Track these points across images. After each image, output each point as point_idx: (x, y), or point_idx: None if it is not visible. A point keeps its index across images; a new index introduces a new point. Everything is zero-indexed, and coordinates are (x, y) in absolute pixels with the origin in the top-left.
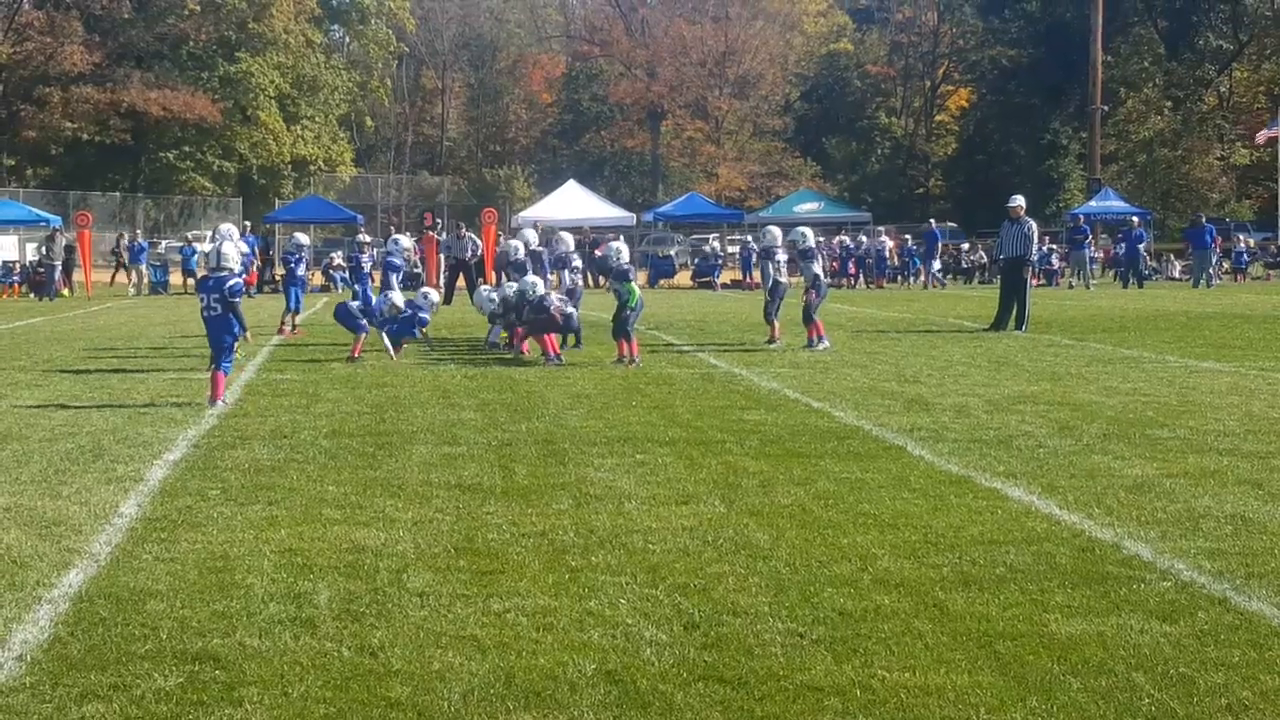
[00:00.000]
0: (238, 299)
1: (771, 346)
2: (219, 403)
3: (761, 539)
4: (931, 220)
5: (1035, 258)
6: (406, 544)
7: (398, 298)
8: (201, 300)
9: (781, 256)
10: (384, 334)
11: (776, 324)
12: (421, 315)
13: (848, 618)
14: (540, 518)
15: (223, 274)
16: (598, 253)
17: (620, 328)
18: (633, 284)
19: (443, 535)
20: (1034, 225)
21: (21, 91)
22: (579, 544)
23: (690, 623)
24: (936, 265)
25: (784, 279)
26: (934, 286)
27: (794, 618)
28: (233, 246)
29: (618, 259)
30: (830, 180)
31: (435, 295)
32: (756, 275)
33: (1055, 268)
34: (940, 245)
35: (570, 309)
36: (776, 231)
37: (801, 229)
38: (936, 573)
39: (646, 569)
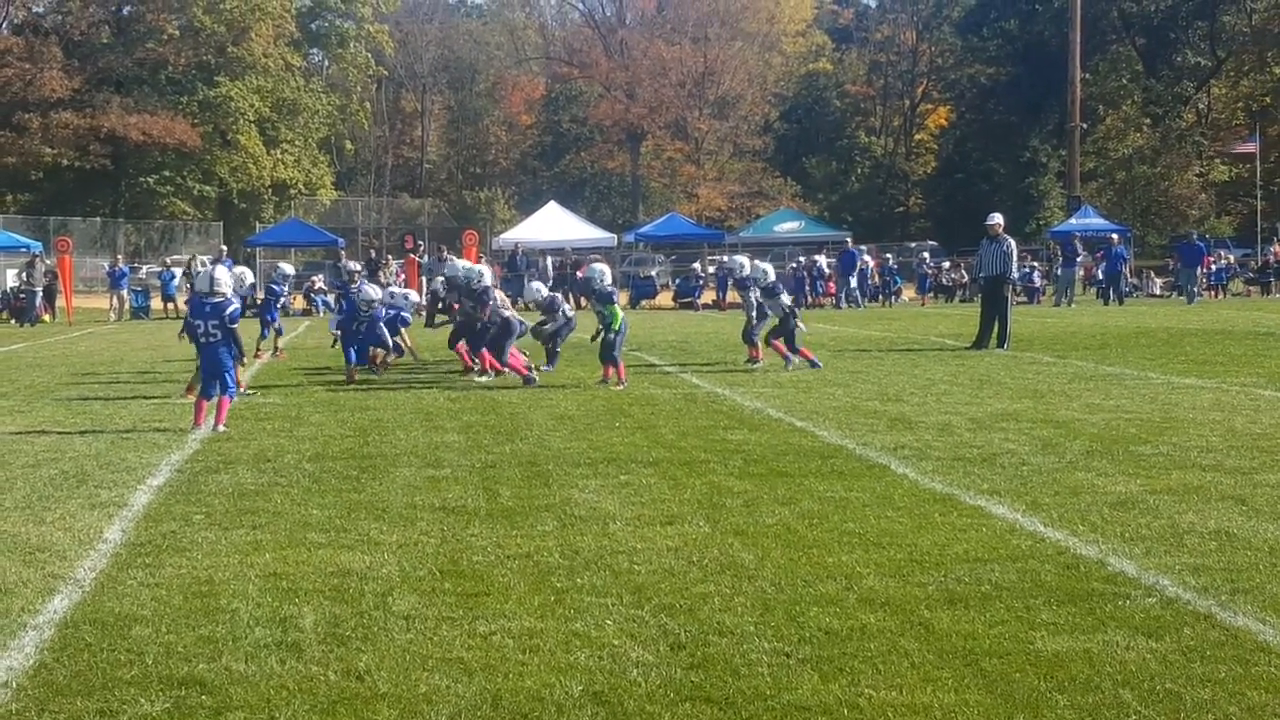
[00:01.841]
0: (236, 324)
1: (753, 367)
2: (220, 428)
3: (747, 559)
4: (849, 239)
5: (1015, 276)
6: (391, 567)
7: (373, 290)
8: (198, 326)
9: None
10: (350, 350)
11: (758, 344)
12: (403, 315)
13: (833, 637)
14: (525, 539)
15: (218, 299)
16: (580, 274)
17: (606, 351)
18: (615, 306)
19: (428, 558)
20: (1013, 243)
21: (0, 117)
22: (564, 565)
23: (676, 643)
24: (853, 283)
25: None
26: (849, 306)
27: (780, 637)
28: (225, 271)
29: (601, 281)
30: (810, 200)
31: (414, 295)
32: (732, 295)
33: (1037, 285)
34: (859, 264)
35: (507, 312)
36: (744, 260)
37: (739, 259)
38: (922, 591)
39: (632, 590)
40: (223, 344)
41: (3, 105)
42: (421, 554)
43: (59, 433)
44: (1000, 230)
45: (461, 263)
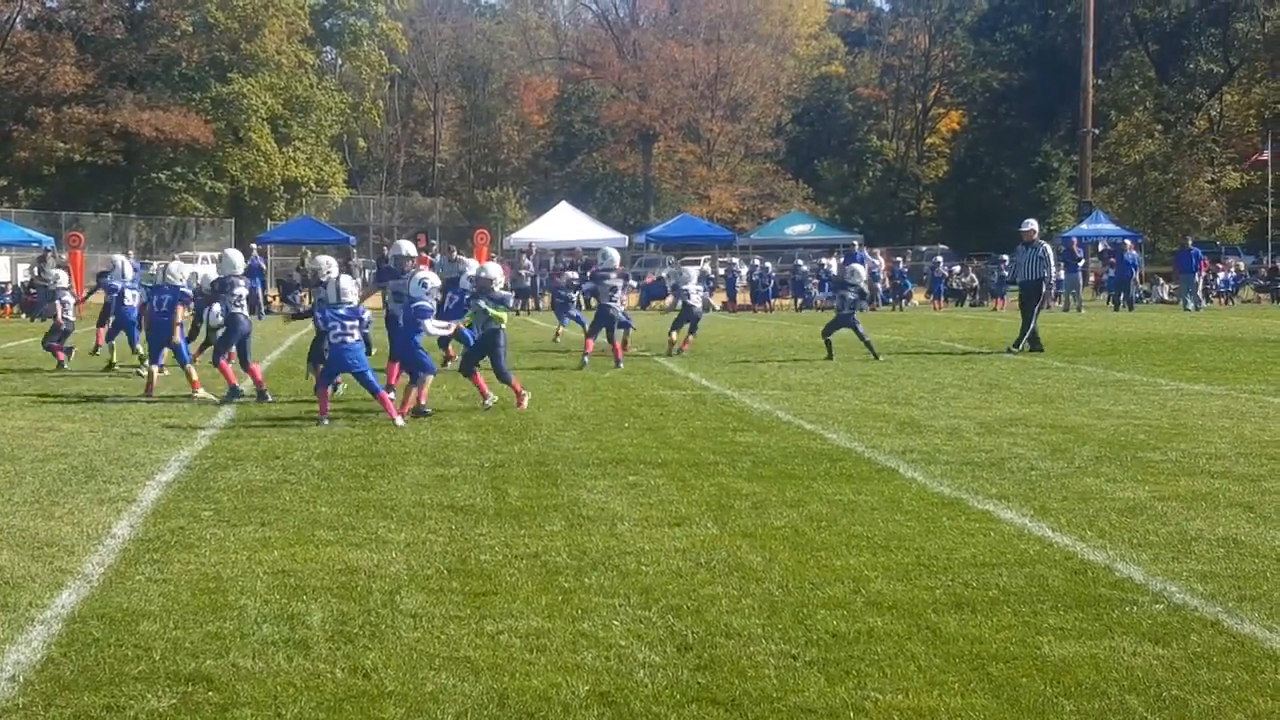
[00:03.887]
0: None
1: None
2: (400, 420)
3: (754, 561)
4: (858, 242)
5: (1051, 279)
6: (399, 565)
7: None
8: (333, 328)
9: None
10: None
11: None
12: (422, 305)
13: (840, 640)
14: (533, 539)
15: (348, 305)
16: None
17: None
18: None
19: (435, 556)
20: (1049, 248)
21: (13, 112)
22: (572, 565)
23: (683, 644)
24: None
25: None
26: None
27: (787, 639)
28: (350, 281)
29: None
30: (822, 202)
31: (434, 278)
32: (743, 298)
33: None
34: (868, 266)
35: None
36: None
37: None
38: (929, 595)
39: (639, 590)
40: (356, 345)
41: (16, 100)
42: (429, 553)
43: (68, 428)
44: (1035, 236)
45: (471, 262)
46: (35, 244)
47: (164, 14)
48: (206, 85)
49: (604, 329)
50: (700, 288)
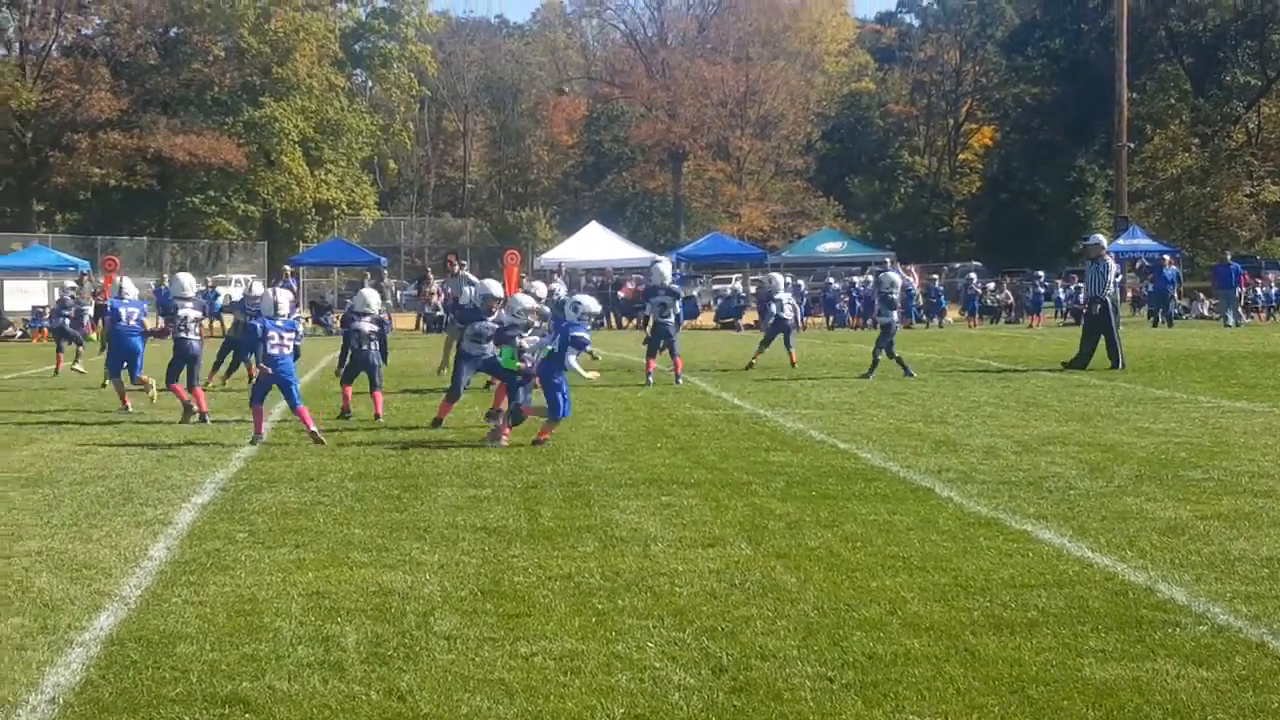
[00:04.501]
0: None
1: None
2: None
3: (789, 582)
4: (890, 259)
5: (1109, 295)
6: (433, 587)
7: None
8: (270, 339)
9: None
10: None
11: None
12: (578, 335)
13: (877, 662)
14: (566, 560)
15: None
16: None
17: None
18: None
19: (469, 578)
20: (1111, 263)
21: (50, 138)
22: (605, 587)
23: (718, 666)
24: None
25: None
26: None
27: (823, 661)
28: (285, 295)
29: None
30: (853, 219)
31: (592, 304)
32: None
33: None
34: (900, 283)
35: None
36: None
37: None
38: (967, 616)
39: (673, 612)
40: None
41: (52, 126)
42: (463, 574)
43: (105, 450)
44: (1101, 251)
45: (492, 283)
46: (71, 268)
47: (197, 39)
48: (239, 109)
49: (660, 345)
50: (790, 298)
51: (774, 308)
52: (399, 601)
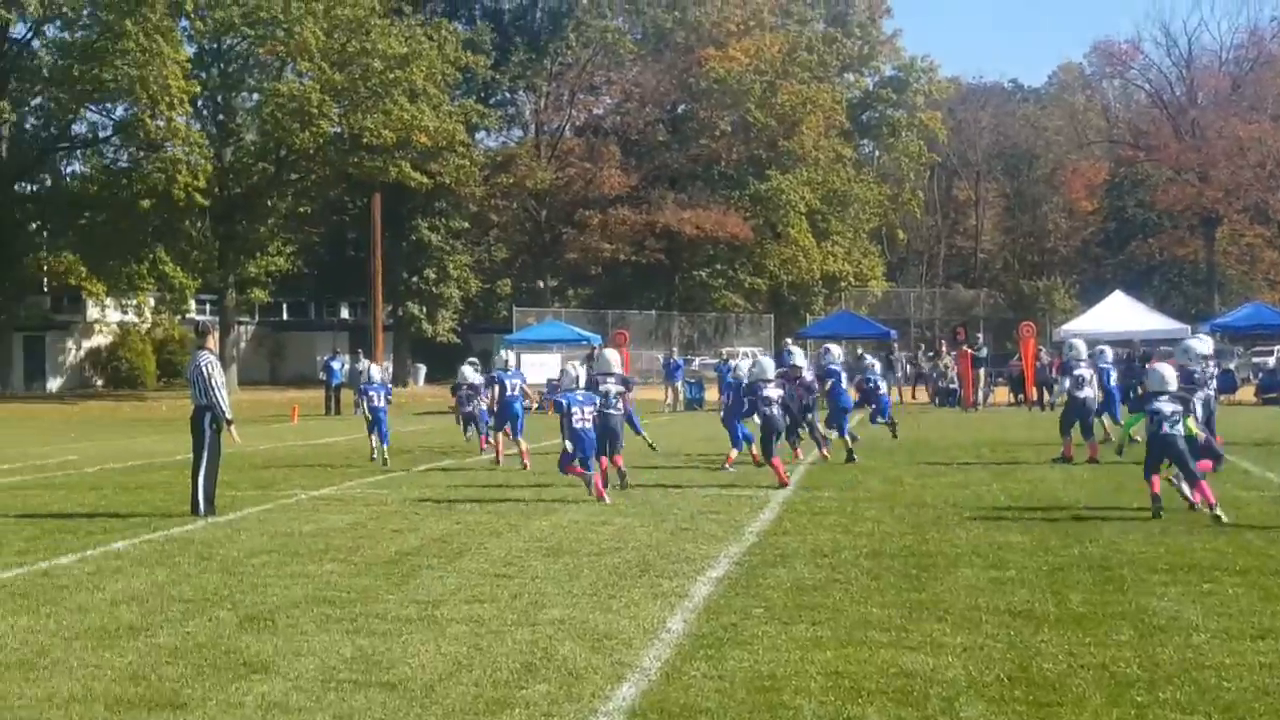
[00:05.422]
0: None
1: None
2: None
3: None
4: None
5: None
6: (957, 670)
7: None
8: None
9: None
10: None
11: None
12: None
13: None
14: (1099, 648)
15: None
16: None
17: None
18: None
19: (995, 663)
20: None
21: (563, 215)
22: (1144, 678)
23: None
24: None
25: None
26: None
27: None
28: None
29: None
30: None
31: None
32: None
33: None
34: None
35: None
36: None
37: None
38: None
39: (1221, 708)
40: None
41: (565, 203)
42: (988, 658)
43: (621, 522)
44: None
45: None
46: (584, 342)
47: (704, 115)
48: (745, 183)
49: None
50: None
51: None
52: (922, 684)
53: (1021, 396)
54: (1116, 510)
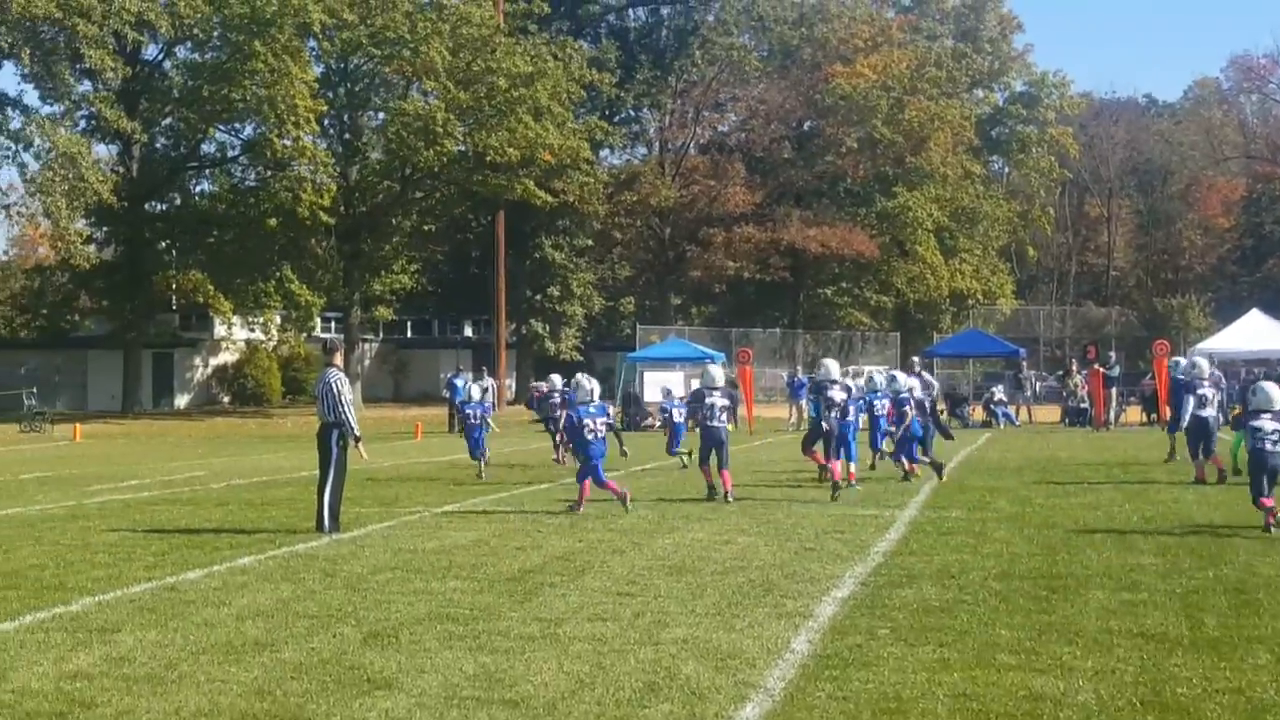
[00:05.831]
0: None
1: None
2: None
3: None
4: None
5: None
6: (1088, 694)
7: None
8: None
9: None
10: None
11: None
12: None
13: None
14: (1235, 673)
15: None
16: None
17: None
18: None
19: (1126, 687)
20: None
21: (687, 233)
22: None
23: None
24: None
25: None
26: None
27: None
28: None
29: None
30: None
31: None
32: None
33: None
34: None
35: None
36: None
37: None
38: None
39: None
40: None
41: (689, 221)
42: (1120, 682)
43: (744, 540)
44: None
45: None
46: (707, 359)
47: (830, 132)
48: (871, 200)
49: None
50: None
51: None
52: (1051, 708)
53: (1154, 416)
54: (1254, 532)
